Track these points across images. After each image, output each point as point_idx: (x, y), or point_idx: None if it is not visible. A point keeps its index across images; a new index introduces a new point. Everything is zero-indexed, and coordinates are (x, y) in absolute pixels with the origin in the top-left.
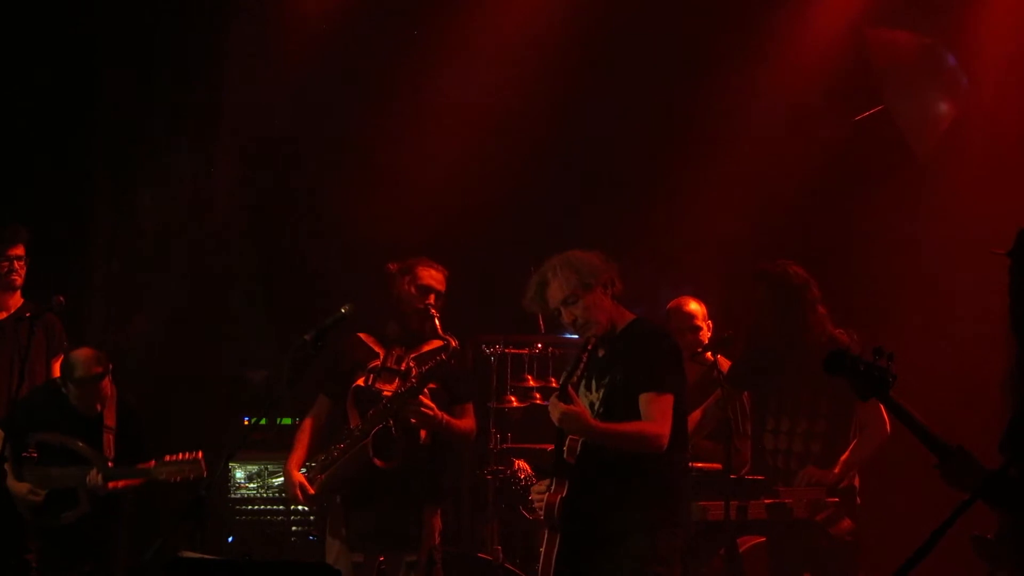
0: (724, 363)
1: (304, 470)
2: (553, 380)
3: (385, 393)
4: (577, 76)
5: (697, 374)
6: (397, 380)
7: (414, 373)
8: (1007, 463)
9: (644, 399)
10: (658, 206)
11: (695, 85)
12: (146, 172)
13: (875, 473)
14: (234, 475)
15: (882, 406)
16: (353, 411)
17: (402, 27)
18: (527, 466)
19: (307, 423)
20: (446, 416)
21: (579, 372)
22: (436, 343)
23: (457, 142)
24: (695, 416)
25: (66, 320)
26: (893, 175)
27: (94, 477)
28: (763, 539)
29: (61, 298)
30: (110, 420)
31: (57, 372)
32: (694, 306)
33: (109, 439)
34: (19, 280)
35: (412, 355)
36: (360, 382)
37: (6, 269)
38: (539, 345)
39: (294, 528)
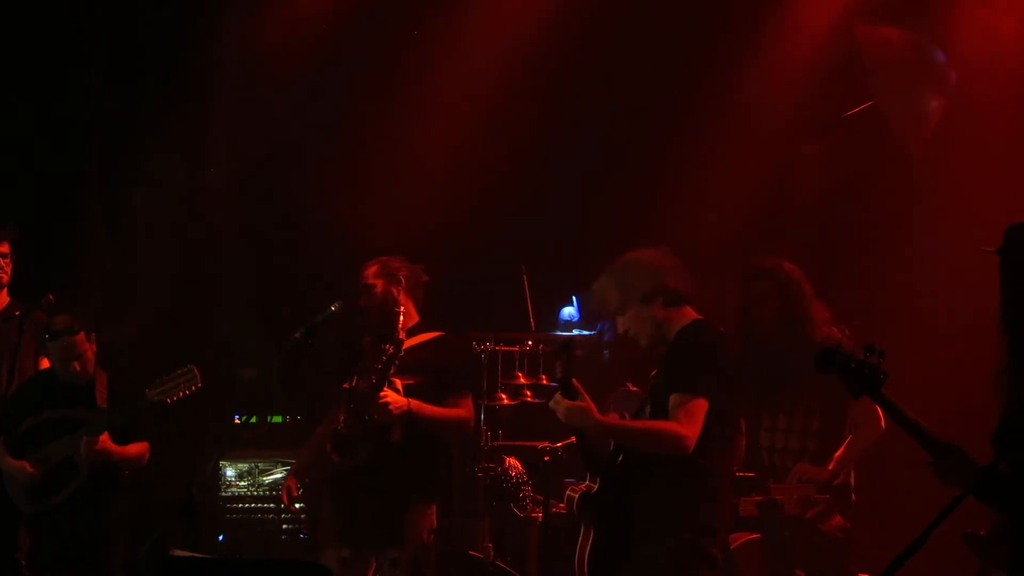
0: None
1: (290, 470)
2: (544, 377)
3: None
4: (569, 76)
5: None
6: (372, 377)
7: (377, 367)
8: (997, 459)
9: (672, 400)
10: (651, 204)
11: (688, 84)
12: (139, 171)
13: (870, 470)
14: (225, 473)
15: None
16: (343, 412)
17: (394, 27)
18: (518, 463)
19: (320, 428)
20: (415, 404)
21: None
22: (423, 337)
23: (448, 140)
24: None
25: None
26: (883, 173)
27: (88, 441)
28: (756, 536)
29: (51, 296)
30: (101, 402)
31: None
32: None
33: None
34: (5, 278)
35: (390, 351)
36: (346, 385)
37: None
38: (530, 343)
39: (285, 526)
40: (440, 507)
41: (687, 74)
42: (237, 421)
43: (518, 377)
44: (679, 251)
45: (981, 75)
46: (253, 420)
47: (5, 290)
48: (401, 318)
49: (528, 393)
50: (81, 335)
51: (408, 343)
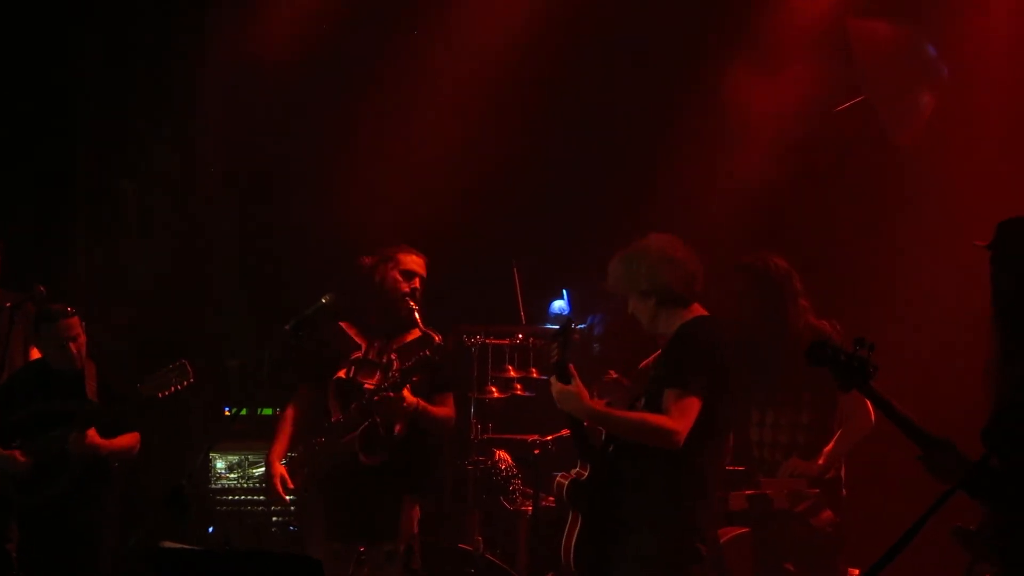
0: None
1: (285, 462)
2: (534, 371)
3: (367, 386)
4: (561, 71)
5: None
6: (379, 373)
7: (395, 367)
8: (988, 453)
9: (667, 394)
10: (642, 199)
11: (681, 78)
12: (128, 163)
13: (860, 464)
14: (215, 465)
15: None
16: (334, 403)
17: (387, 22)
18: (508, 457)
19: (288, 413)
20: (422, 403)
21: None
22: (416, 333)
23: (439, 135)
24: None
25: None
26: (874, 167)
27: (77, 436)
28: (745, 530)
29: (42, 288)
30: (91, 393)
31: None
32: None
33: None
34: None
35: (394, 347)
36: (341, 374)
37: None
38: (520, 336)
39: (275, 519)
40: (430, 500)
41: (679, 69)
42: (227, 413)
43: (508, 370)
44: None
45: (972, 69)
46: (243, 412)
47: None
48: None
49: (518, 386)
50: (76, 318)
51: (403, 340)
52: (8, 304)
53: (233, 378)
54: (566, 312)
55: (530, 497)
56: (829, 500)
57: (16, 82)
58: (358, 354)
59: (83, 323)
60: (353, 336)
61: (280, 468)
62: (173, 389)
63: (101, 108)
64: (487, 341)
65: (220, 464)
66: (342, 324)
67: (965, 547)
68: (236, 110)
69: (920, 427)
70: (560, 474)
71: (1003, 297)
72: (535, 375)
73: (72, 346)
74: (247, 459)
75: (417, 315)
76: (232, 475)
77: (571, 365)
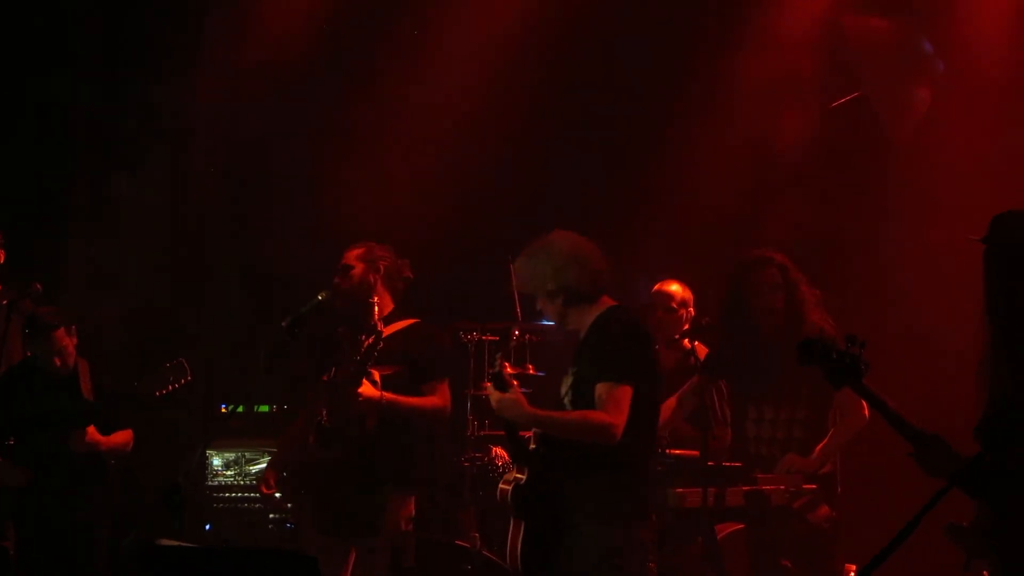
0: (701, 350)
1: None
2: (531, 367)
3: (323, 378)
4: (558, 67)
5: (673, 361)
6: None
7: (356, 359)
8: (982, 451)
9: (598, 389)
10: (637, 195)
11: (677, 75)
12: (123, 159)
13: (855, 460)
14: (212, 463)
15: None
16: (320, 405)
17: (383, 19)
18: (504, 453)
19: (296, 421)
20: (387, 396)
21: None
22: (398, 325)
23: (436, 131)
24: (670, 403)
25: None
26: (866, 162)
27: (77, 434)
28: (741, 526)
29: (38, 285)
30: (85, 391)
31: None
32: (675, 288)
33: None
34: None
35: (368, 342)
36: (325, 377)
37: None
38: (516, 332)
39: (271, 516)
40: (424, 496)
41: (675, 65)
42: (223, 410)
43: (504, 367)
44: (664, 240)
45: (964, 64)
46: (239, 409)
47: None
48: (376, 308)
49: (515, 383)
50: (61, 331)
51: (386, 331)
52: (5, 302)
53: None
54: None
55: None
56: (825, 496)
57: (11, 80)
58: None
59: (72, 329)
60: (343, 339)
61: (268, 471)
62: (171, 387)
63: (96, 106)
64: (483, 338)
65: (217, 461)
66: (339, 330)
67: (959, 544)
68: (231, 108)
69: (911, 424)
70: (502, 481)
71: (996, 292)
72: (531, 372)
73: (56, 360)
74: (244, 456)
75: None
76: (229, 472)
77: (507, 372)
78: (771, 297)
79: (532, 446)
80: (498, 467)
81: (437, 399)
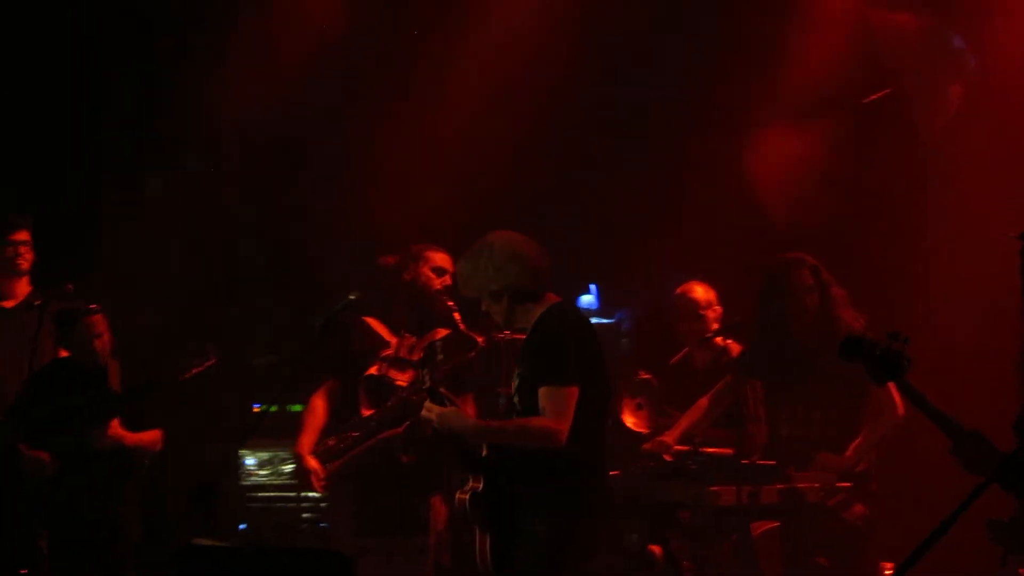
0: (734, 348)
1: (315, 454)
2: None
3: (399, 383)
4: (587, 63)
5: (706, 360)
6: (411, 371)
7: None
8: (1021, 446)
9: (541, 393)
10: (668, 193)
11: (708, 69)
12: (156, 159)
13: (891, 458)
14: (245, 462)
15: (895, 390)
16: (365, 399)
17: (410, 16)
18: None
19: (316, 406)
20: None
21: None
22: (445, 331)
23: (465, 129)
24: (702, 402)
25: None
26: (901, 159)
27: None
28: (776, 524)
29: (70, 286)
30: (116, 389)
31: None
32: (699, 292)
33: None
34: (25, 265)
35: (423, 345)
36: (373, 371)
37: (11, 254)
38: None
39: (305, 515)
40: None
41: (705, 66)
42: (256, 410)
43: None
44: (696, 237)
45: (999, 60)
46: (272, 409)
47: (26, 278)
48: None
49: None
50: (100, 316)
51: (433, 337)
52: (37, 303)
53: (260, 373)
54: (595, 307)
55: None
56: (860, 494)
57: (43, 77)
58: (388, 351)
59: (108, 321)
60: (381, 332)
61: (313, 461)
62: (195, 371)
63: (127, 103)
64: (515, 336)
65: (250, 461)
66: (368, 320)
67: (999, 540)
68: (262, 106)
69: (952, 420)
70: (459, 491)
71: None
72: None
73: (97, 343)
74: (277, 456)
75: (456, 314)
76: (262, 472)
77: (442, 387)
78: (804, 298)
79: (484, 453)
80: None
81: (468, 411)
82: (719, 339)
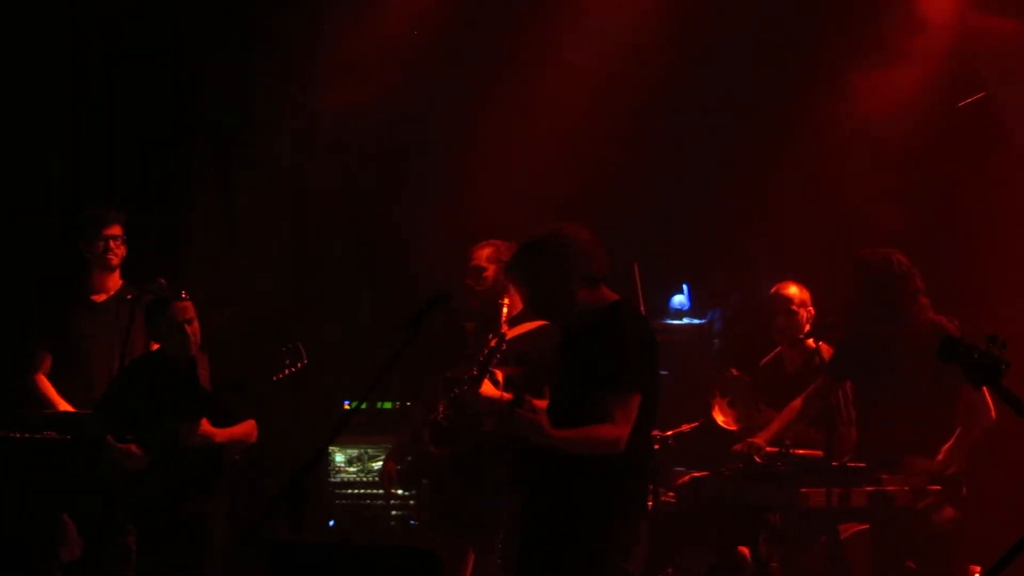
0: (826, 350)
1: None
2: None
3: (448, 375)
4: (683, 68)
5: (797, 362)
6: (474, 369)
7: (479, 359)
8: None
9: (607, 397)
10: (761, 192)
11: (800, 74)
12: (245, 155)
13: (982, 462)
14: (334, 459)
15: (988, 393)
16: (441, 400)
17: (514, 10)
18: None
19: (417, 411)
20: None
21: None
22: (527, 326)
23: (560, 129)
24: (796, 404)
25: None
26: (996, 160)
27: (189, 426)
28: (865, 526)
29: (163, 280)
30: (204, 383)
31: None
32: (793, 290)
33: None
34: (116, 260)
35: (491, 343)
36: (451, 373)
37: (102, 249)
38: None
39: (394, 512)
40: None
41: (798, 67)
42: (346, 407)
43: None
44: (789, 238)
45: None
46: (363, 406)
47: (118, 272)
48: (505, 310)
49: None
50: (190, 303)
51: (512, 333)
52: (129, 297)
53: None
54: (686, 307)
55: (649, 492)
56: (950, 497)
57: (136, 77)
58: (466, 350)
59: (197, 309)
60: (469, 334)
61: (389, 465)
62: (287, 371)
63: (219, 101)
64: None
65: (340, 458)
66: (467, 325)
67: None
68: (354, 105)
69: None
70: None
71: None
72: None
73: (188, 329)
74: (366, 453)
75: (505, 312)
76: (351, 468)
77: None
78: (861, 298)
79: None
80: None
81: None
82: (810, 341)
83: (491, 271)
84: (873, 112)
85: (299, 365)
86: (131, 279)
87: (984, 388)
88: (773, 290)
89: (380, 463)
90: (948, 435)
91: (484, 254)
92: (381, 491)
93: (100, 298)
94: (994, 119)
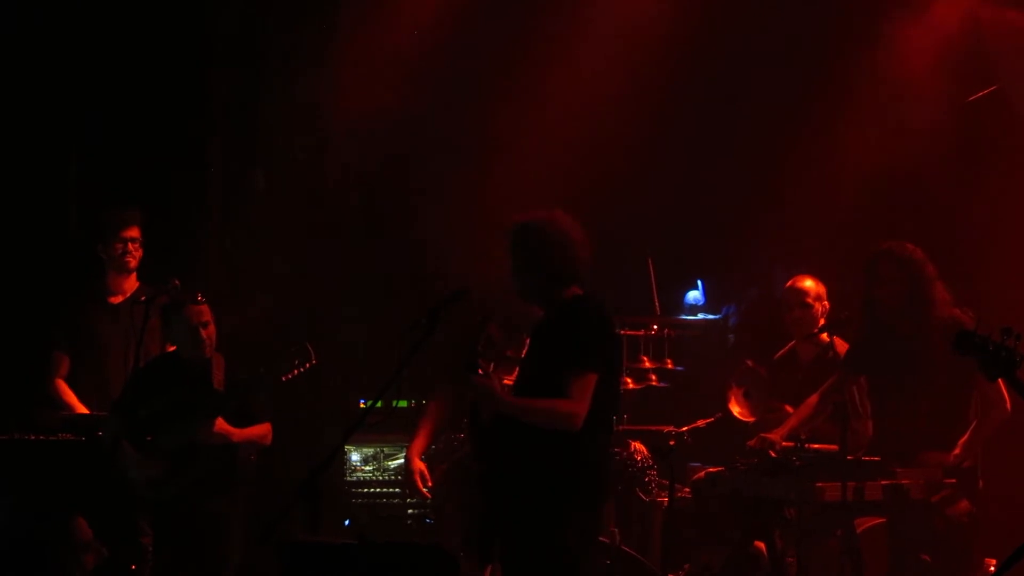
0: (840, 344)
1: (424, 457)
2: (669, 362)
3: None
4: (699, 60)
5: (811, 355)
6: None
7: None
8: None
9: (566, 375)
10: (777, 188)
11: (817, 66)
12: (260, 153)
13: (998, 455)
14: (350, 458)
15: (1003, 386)
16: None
17: (519, 10)
18: (643, 448)
19: (431, 408)
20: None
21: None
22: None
23: (573, 122)
24: (812, 400)
25: None
26: (1008, 155)
27: (205, 426)
28: (881, 520)
29: (177, 281)
30: (217, 384)
31: None
32: (809, 283)
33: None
34: (133, 262)
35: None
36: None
37: (120, 251)
38: (655, 327)
39: (410, 511)
40: None
41: (811, 60)
42: (362, 405)
43: (643, 361)
44: (803, 233)
45: None
46: (378, 404)
47: (134, 274)
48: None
49: (653, 377)
50: (206, 306)
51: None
52: (143, 298)
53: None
54: (701, 303)
55: (666, 488)
56: (966, 490)
57: (151, 76)
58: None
59: (214, 312)
60: (493, 334)
61: (419, 464)
62: (296, 372)
63: (234, 99)
64: (622, 332)
65: (355, 456)
66: (492, 327)
67: None
68: (368, 100)
69: None
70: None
71: None
72: (670, 366)
73: (203, 332)
74: (382, 451)
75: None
76: (367, 467)
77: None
78: (883, 290)
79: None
80: (636, 462)
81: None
82: (824, 335)
83: None
84: (888, 104)
85: (307, 365)
86: (146, 280)
87: (999, 380)
88: (788, 283)
89: (396, 462)
90: (964, 428)
91: None
92: (397, 490)
93: (117, 300)
94: (1008, 111)
